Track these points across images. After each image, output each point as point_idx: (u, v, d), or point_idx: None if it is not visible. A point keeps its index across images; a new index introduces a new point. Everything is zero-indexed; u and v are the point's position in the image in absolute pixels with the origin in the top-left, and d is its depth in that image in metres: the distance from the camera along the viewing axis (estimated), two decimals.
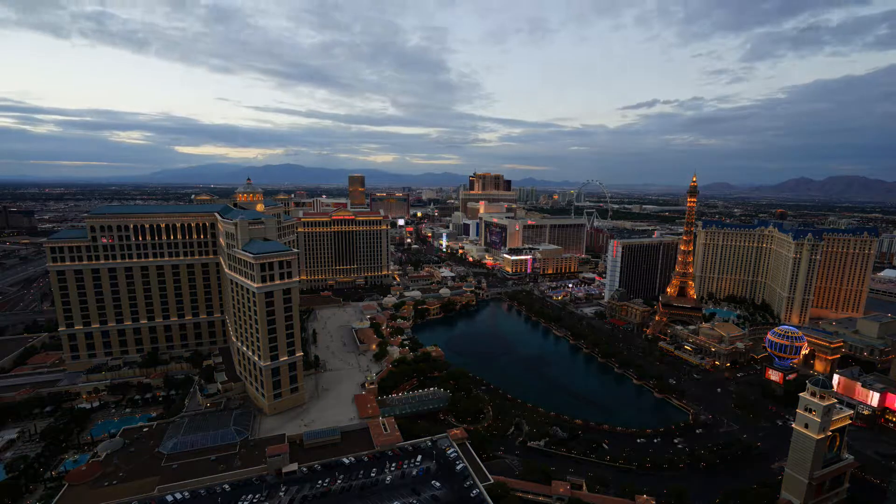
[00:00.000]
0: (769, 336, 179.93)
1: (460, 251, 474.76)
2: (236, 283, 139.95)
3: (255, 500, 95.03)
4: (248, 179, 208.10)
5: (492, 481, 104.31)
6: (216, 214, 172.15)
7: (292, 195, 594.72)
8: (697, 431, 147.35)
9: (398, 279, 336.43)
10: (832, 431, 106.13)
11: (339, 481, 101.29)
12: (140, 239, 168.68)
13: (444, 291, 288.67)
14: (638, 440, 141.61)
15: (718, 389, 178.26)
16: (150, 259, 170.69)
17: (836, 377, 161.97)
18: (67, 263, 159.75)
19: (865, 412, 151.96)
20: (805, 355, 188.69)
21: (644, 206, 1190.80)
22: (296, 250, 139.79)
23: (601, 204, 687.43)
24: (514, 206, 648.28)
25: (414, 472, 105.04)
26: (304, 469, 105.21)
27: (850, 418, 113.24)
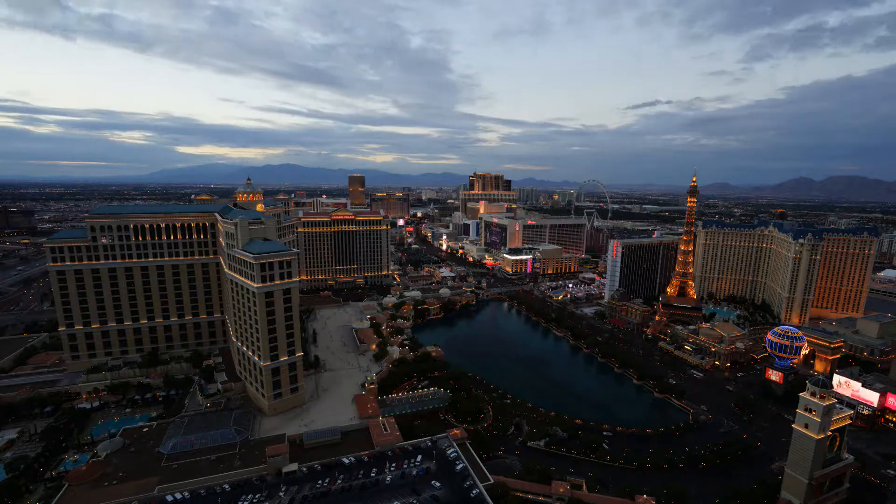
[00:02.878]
0: (769, 336, 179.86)
1: (460, 251, 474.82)
2: (236, 283, 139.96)
3: (255, 500, 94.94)
4: (248, 179, 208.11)
5: (492, 481, 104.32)
6: (216, 214, 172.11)
7: (292, 195, 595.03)
8: (697, 431, 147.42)
9: (398, 279, 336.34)
10: (832, 431, 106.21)
11: (339, 481, 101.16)
12: (140, 239, 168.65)
13: (444, 291, 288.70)
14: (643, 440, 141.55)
15: (718, 389, 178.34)
16: (150, 259, 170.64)
17: (836, 377, 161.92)
18: (67, 263, 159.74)
19: (865, 412, 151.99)
20: (805, 355, 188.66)
21: (644, 206, 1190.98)
22: (296, 250, 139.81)
23: (601, 204, 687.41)
24: (514, 206, 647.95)
25: (414, 472, 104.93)
26: (304, 469, 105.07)
27: (850, 418, 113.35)
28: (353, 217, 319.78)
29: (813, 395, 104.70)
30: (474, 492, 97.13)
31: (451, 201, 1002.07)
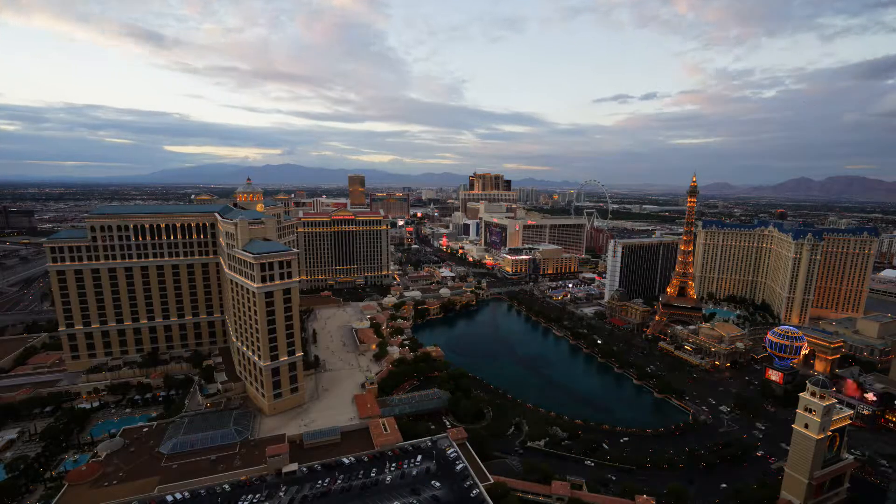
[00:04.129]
0: (769, 336, 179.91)
1: (460, 251, 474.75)
2: (236, 283, 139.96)
3: (255, 500, 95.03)
4: (248, 179, 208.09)
5: (492, 481, 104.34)
6: (216, 214, 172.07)
7: (292, 195, 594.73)
8: (697, 431, 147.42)
9: (398, 279, 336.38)
10: (832, 431, 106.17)
11: (339, 481, 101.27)
12: (140, 239, 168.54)
13: (444, 291, 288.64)
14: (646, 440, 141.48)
15: (718, 389, 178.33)
16: (150, 259, 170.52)
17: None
18: (67, 263, 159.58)
19: (865, 412, 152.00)
20: (805, 355, 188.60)
21: (644, 206, 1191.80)
22: (296, 250, 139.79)
23: (601, 204, 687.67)
24: (514, 206, 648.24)
25: (414, 472, 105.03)
26: (304, 469, 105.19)
27: (850, 418, 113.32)
28: (353, 217, 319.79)
29: (813, 395, 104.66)
30: (474, 492, 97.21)
31: (451, 201, 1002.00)
